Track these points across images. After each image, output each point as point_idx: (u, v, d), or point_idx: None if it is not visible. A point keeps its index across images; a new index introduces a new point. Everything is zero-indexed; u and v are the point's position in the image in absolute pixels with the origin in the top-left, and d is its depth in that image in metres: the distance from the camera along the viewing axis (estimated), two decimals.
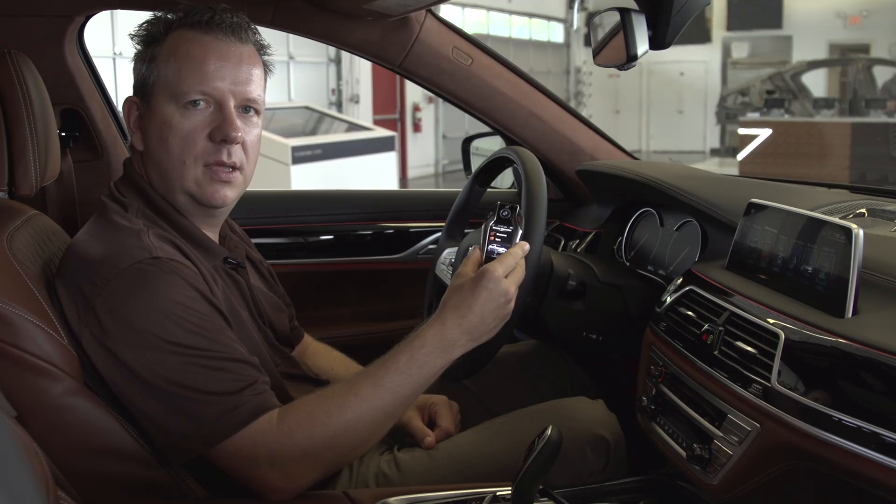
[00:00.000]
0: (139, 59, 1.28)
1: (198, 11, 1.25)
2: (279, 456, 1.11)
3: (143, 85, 1.26)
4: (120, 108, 2.03)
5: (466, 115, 2.17)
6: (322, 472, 1.16)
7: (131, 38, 1.29)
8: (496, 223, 1.33)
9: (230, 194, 1.26)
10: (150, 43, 1.26)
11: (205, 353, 1.11)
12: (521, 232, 1.33)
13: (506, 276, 1.23)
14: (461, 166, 2.45)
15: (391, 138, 8.91)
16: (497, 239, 1.32)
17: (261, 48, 1.30)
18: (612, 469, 1.41)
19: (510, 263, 1.25)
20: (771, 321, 1.13)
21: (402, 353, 1.19)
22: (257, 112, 1.28)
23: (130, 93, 1.30)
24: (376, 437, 1.20)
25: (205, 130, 1.22)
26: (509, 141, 2.08)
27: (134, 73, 1.29)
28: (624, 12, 1.34)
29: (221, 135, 1.22)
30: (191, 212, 1.28)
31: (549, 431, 1.00)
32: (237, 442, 1.10)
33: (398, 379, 1.17)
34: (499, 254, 1.31)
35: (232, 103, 1.23)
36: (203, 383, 1.10)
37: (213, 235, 1.34)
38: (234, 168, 1.25)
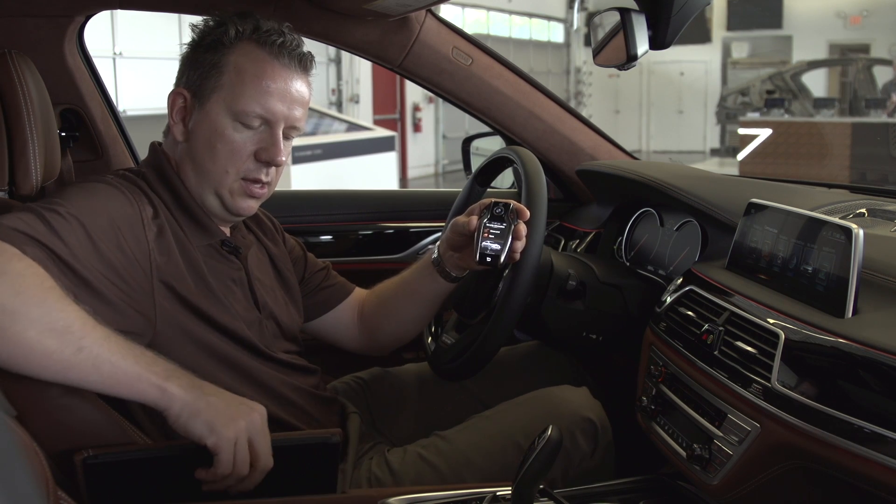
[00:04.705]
0: (197, 55, 1.30)
1: (270, 30, 1.30)
2: None
3: (198, 84, 1.29)
4: (120, 108, 2.04)
5: (466, 115, 2.17)
6: None
7: (192, 29, 1.33)
8: (490, 220, 1.35)
9: (255, 207, 1.35)
10: (214, 45, 1.29)
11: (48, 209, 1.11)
12: (513, 228, 1.34)
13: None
14: (461, 166, 2.44)
15: (391, 138, 8.91)
16: (490, 235, 1.34)
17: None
18: (601, 453, 1.42)
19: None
20: (771, 321, 1.13)
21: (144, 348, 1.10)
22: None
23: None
24: (34, 356, 1.01)
25: (251, 147, 1.29)
26: (509, 141, 2.08)
27: (186, 65, 1.32)
28: (624, 12, 1.34)
29: (268, 157, 1.30)
30: (211, 210, 1.33)
31: (549, 431, 1.00)
32: None
33: (115, 347, 1.04)
34: (493, 250, 1.33)
35: (281, 128, 1.30)
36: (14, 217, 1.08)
37: (224, 230, 1.37)
38: (265, 185, 1.32)
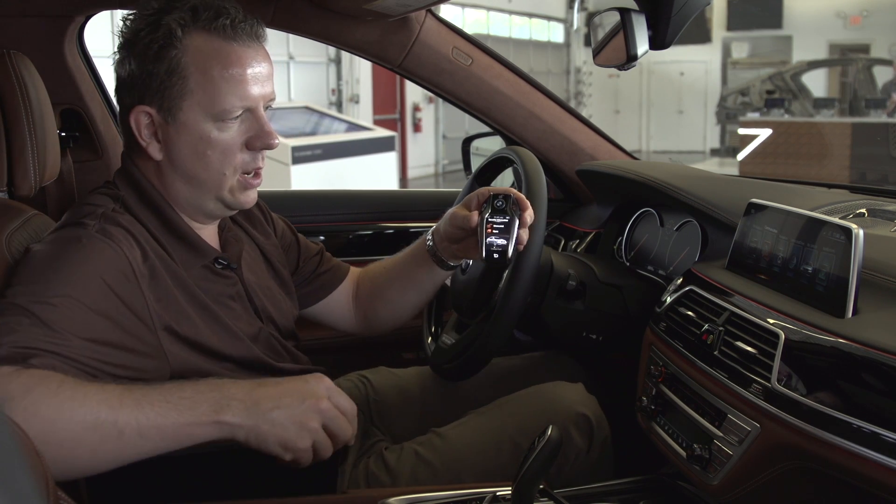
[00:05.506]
0: (146, 67, 1.20)
1: (214, 14, 1.19)
2: None
3: (161, 97, 1.20)
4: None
5: (466, 115, 2.16)
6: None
7: (121, 35, 1.23)
8: (492, 215, 1.32)
9: (255, 197, 1.30)
10: (163, 51, 1.18)
11: (34, 299, 1.03)
12: (517, 220, 1.32)
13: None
14: (461, 166, 2.44)
15: (391, 138, 8.91)
16: (495, 231, 1.31)
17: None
18: (598, 449, 1.41)
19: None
20: (771, 321, 1.13)
21: (178, 384, 1.07)
22: None
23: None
24: (90, 451, 0.98)
25: (241, 139, 1.23)
26: (509, 141, 2.08)
27: (135, 79, 1.21)
28: (624, 12, 1.34)
29: (262, 143, 1.24)
30: (211, 214, 1.29)
31: (549, 432, 1.00)
32: None
33: (156, 399, 1.01)
34: (499, 246, 1.31)
35: (262, 107, 1.24)
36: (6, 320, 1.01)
37: (212, 231, 1.33)
38: (260, 171, 1.28)
